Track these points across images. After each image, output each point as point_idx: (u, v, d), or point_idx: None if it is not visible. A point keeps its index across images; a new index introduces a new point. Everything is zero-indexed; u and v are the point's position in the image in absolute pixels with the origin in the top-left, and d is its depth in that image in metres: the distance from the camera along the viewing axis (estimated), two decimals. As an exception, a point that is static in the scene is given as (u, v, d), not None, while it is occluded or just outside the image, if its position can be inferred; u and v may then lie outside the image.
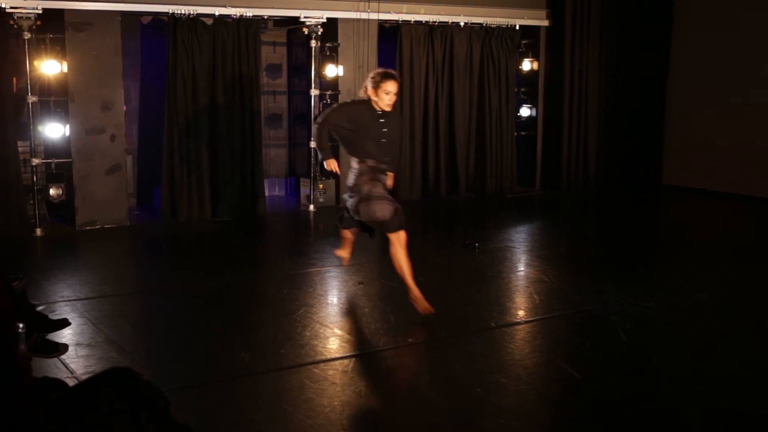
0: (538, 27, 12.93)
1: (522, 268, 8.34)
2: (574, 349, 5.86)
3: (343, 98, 11.28)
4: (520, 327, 6.26)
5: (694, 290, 7.15)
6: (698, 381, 5.12)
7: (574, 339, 6.08)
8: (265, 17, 10.88)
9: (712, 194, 12.40)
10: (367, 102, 6.53)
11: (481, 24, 12.19)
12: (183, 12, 9.94)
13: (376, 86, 6.43)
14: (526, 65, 12.96)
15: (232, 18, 10.31)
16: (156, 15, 10.34)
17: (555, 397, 4.96)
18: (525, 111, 13.19)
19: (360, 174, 6.53)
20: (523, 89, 13.19)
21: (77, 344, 5.64)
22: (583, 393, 5.04)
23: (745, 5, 12.13)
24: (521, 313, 6.73)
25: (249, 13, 10.41)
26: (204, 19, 10.19)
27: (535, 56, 13.03)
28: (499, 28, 12.31)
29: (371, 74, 6.56)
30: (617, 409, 4.76)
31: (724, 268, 8.11)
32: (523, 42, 12.87)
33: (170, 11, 9.92)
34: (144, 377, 2.83)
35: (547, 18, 12.95)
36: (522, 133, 13.18)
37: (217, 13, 10.20)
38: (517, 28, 12.56)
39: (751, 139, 12.05)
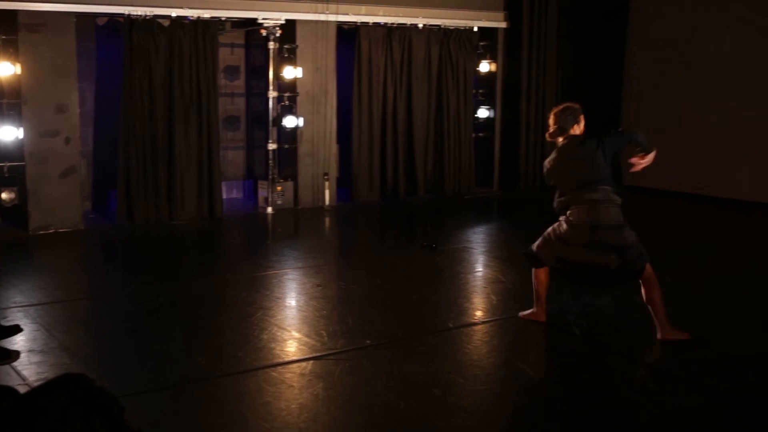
0: (495, 29, 13.02)
1: (480, 269, 8.38)
2: (531, 348, 5.91)
3: (301, 100, 11.27)
4: (478, 327, 6.29)
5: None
6: (652, 379, 5.19)
7: (531, 339, 6.13)
8: (223, 19, 10.82)
9: (669, 194, 12.56)
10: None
11: (439, 26, 12.24)
12: (139, 13, 9.84)
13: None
14: (484, 67, 13.04)
15: (190, 19, 10.24)
16: (111, 16, 10.22)
17: (512, 397, 5.00)
18: (483, 112, 13.26)
19: None
20: (481, 91, 13.27)
21: (30, 351, 5.55)
22: (539, 392, 5.08)
23: (700, 8, 12.31)
24: (479, 313, 6.76)
25: (206, 14, 10.34)
26: (161, 20, 10.10)
27: (493, 58, 13.12)
28: (457, 30, 12.37)
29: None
30: (573, 409, 4.81)
31: (680, 266, 8.23)
32: (481, 44, 12.95)
33: (126, 12, 9.82)
34: (97, 383, 2.79)
35: (505, 20, 13.04)
36: (480, 134, 13.25)
37: (173, 15, 10.12)
38: (475, 29, 12.64)
39: (706, 140, 12.23)
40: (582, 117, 6.04)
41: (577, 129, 6.00)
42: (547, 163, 6.09)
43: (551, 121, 6.04)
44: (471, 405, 4.80)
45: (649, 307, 5.82)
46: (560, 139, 6.00)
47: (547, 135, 6.11)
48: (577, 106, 6.08)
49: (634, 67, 13.22)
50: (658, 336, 5.80)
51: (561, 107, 6.08)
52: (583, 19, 13.41)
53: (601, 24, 13.40)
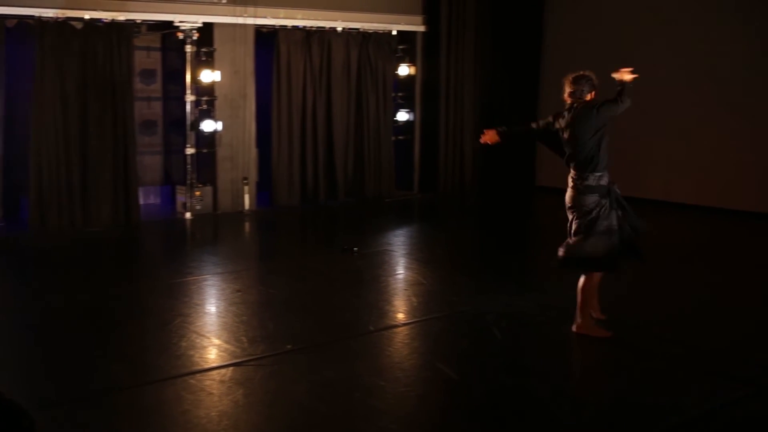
0: (414, 32, 13.11)
1: (400, 272, 8.43)
2: (451, 349, 5.96)
3: (220, 104, 11.15)
4: (399, 330, 6.32)
5: (566, 288, 7.37)
6: (569, 376, 5.29)
7: (451, 340, 6.19)
8: (138, 21, 10.63)
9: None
10: None
11: (358, 29, 12.26)
12: (51, 15, 9.61)
13: None
14: (403, 70, 13.11)
15: (104, 22, 10.03)
16: (21, 18, 9.92)
17: (433, 398, 5.04)
18: (402, 115, 13.34)
19: None
20: (400, 94, 13.34)
21: (-63, 363, 5.37)
22: (460, 393, 5.13)
23: (614, 10, 12.60)
24: (400, 316, 6.79)
25: (121, 17, 10.16)
26: (73, 23, 9.87)
27: (412, 61, 13.21)
28: (376, 33, 12.42)
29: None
30: (493, 408, 4.87)
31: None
32: (400, 47, 13.02)
33: (37, 14, 9.57)
34: (6, 396, 2.72)
35: (423, 23, 13.14)
36: (400, 137, 13.32)
37: (87, 17, 9.90)
38: (394, 33, 12.71)
39: (620, 140, 12.50)
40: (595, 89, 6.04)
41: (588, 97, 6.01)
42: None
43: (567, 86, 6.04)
44: (392, 407, 4.83)
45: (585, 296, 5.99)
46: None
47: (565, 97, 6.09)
48: (591, 74, 6.10)
49: (552, 57, 13.45)
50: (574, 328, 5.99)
51: (578, 74, 6.08)
52: (501, 22, 13.61)
53: (518, 16, 13.61)
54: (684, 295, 7.40)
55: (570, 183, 6.00)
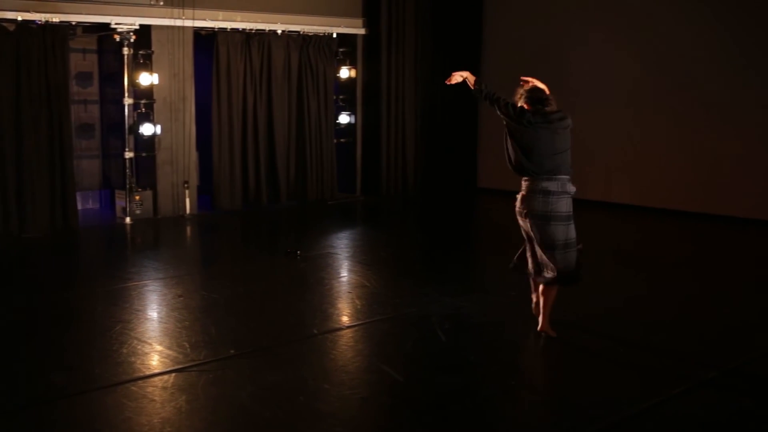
0: (354, 35, 13.11)
1: (344, 274, 8.42)
2: (395, 351, 5.97)
3: (159, 107, 11.02)
4: (343, 332, 6.31)
5: (507, 288, 7.46)
6: (511, 375, 5.34)
7: (395, 341, 6.20)
8: (74, 23, 10.43)
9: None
10: None
11: (298, 32, 12.22)
12: (-19, 17, 9.40)
13: None
14: (344, 73, 13.11)
15: (38, 24, 9.82)
16: (-49, 20, 9.71)
17: (378, 400, 5.04)
18: (344, 118, 13.33)
19: None
20: (341, 97, 13.34)
21: None
22: (405, 394, 5.14)
23: (552, 9, 12.77)
24: (344, 318, 6.78)
25: (56, 18, 9.96)
26: (5, 24, 9.65)
27: (353, 64, 13.21)
28: (316, 36, 12.39)
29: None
30: (437, 408, 4.89)
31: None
32: (341, 50, 13.02)
33: (-33, 16, 9.36)
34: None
35: (364, 26, 13.16)
36: (342, 140, 13.32)
37: (19, 19, 9.69)
38: (334, 36, 12.70)
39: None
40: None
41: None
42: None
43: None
44: (337, 410, 4.81)
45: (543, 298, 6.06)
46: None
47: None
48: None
49: (490, 56, 13.58)
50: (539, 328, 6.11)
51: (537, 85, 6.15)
52: (441, 25, 13.71)
53: (457, 17, 13.71)
54: (619, 294, 7.51)
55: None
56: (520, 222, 6.01)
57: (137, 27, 10.64)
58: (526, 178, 5.93)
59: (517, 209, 6.00)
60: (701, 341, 6.14)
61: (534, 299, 6.36)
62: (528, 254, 6.13)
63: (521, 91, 6.14)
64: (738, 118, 10.95)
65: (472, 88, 6.13)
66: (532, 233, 5.93)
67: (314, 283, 7.80)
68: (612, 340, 6.10)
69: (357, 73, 13.25)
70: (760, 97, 10.73)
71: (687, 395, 5.05)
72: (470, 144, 13.88)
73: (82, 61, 11.70)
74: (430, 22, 13.63)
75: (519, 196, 6.00)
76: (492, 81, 13.02)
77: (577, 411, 4.81)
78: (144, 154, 11.07)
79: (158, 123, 10.99)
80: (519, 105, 6.01)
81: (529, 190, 5.89)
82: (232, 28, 11.56)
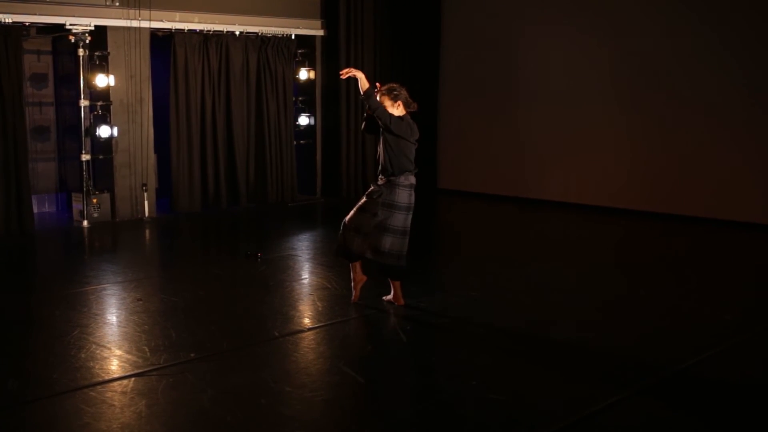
0: (313, 36, 13.09)
1: (305, 276, 8.39)
2: (357, 353, 5.97)
3: (115, 109, 10.90)
4: (305, 335, 6.29)
5: (468, 290, 7.50)
6: (473, 375, 5.36)
7: (357, 343, 6.21)
8: (27, 24, 10.28)
9: (485, 197, 13.04)
10: None
11: (256, 33, 12.17)
12: (-68, 17, 9.22)
13: None
14: (303, 74, 13.07)
15: (-10, 24, 9.68)
16: None
17: (340, 402, 5.03)
18: (303, 120, 13.29)
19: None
20: (301, 98, 13.30)
21: None
22: (366, 396, 5.15)
23: (511, 9, 12.85)
24: (305, 320, 6.76)
25: (8, 19, 9.81)
26: (-43, 25, 9.50)
27: (312, 65, 13.18)
28: (275, 37, 12.35)
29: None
30: (399, 409, 4.90)
31: (492, 267, 8.57)
32: (300, 51, 12.99)
33: None
34: None
35: (322, 27, 13.14)
36: (301, 141, 13.28)
37: (-29, 19, 9.55)
38: (293, 37, 12.66)
39: (520, 142, 12.77)
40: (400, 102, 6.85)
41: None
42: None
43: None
44: (299, 413, 4.79)
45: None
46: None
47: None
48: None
49: (449, 57, 13.63)
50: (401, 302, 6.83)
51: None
52: (399, 26, 13.74)
53: (416, 18, 13.76)
54: (582, 296, 7.58)
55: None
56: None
57: (92, 28, 10.51)
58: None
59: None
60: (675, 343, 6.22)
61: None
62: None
63: (385, 95, 6.81)
64: (715, 118, 10.80)
65: (361, 93, 6.72)
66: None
67: (275, 286, 7.76)
68: (573, 341, 6.15)
69: (316, 74, 13.23)
70: (742, 96, 10.55)
71: (629, 401, 5.12)
72: (430, 145, 13.91)
73: (36, 62, 11.53)
74: (389, 22, 13.65)
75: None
76: (452, 78, 13.34)
77: (537, 411, 4.84)
78: (101, 157, 10.95)
79: (115, 125, 10.87)
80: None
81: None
82: (189, 30, 11.47)
